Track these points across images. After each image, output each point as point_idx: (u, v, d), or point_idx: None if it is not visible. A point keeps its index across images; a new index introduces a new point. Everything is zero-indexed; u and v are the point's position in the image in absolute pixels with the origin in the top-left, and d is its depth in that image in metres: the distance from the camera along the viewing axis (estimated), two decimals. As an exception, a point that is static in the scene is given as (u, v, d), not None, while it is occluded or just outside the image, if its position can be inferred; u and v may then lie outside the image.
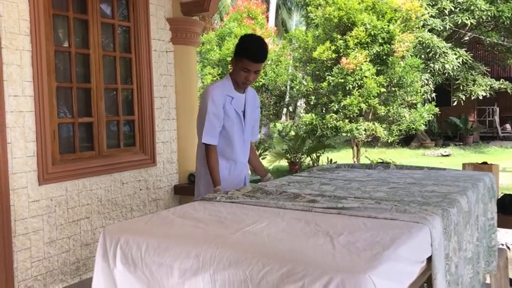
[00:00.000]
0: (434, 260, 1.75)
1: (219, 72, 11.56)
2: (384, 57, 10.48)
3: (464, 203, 2.23)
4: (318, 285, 1.32)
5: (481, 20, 16.44)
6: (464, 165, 3.90)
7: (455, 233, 2.02)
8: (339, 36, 10.80)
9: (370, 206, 1.99)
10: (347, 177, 2.84)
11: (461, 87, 17.04)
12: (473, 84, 16.81)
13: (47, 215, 3.78)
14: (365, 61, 10.26)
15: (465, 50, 16.55)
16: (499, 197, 3.62)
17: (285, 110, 17.52)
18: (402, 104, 10.90)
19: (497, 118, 20.62)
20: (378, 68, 10.44)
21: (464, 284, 2.18)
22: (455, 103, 17.84)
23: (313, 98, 11.36)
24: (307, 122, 10.89)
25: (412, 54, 11.69)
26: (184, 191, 4.97)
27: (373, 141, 15.59)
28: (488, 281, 3.30)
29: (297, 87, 11.75)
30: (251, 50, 2.90)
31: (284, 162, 11.78)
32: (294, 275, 1.36)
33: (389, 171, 3.09)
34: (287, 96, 14.15)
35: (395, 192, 2.34)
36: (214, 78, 11.44)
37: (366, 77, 10.13)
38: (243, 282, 1.47)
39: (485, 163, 3.94)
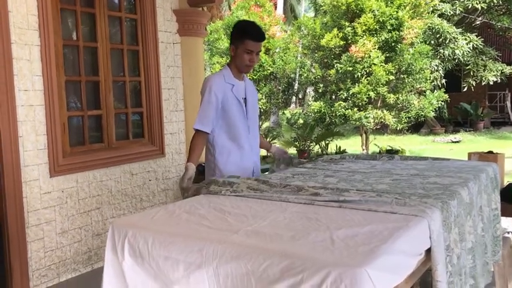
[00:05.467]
0: (434, 252, 1.79)
1: (228, 61, 11.55)
2: (393, 44, 10.40)
3: (465, 195, 2.26)
4: (316, 279, 1.37)
5: (492, 4, 16.22)
6: (469, 154, 3.91)
7: (455, 224, 2.06)
8: (347, 23, 10.73)
9: (371, 199, 2.03)
10: (351, 169, 2.88)
11: (472, 73, 16.88)
12: (484, 70, 16.64)
13: (59, 206, 3.87)
14: (374, 48, 10.20)
15: (476, 35, 16.36)
16: (505, 185, 3.65)
17: (294, 97, 17.51)
18: (411, 91, 10.84)
19: (508, 103, 20.42)
20: (387, 55, 10.37)
21: (467, 274, 2.22)
22: (465, 89, 17.69)
23: (321, 85, 11.33)
24: (315, 110, 10.88)
25: (422, 40, 11.58)
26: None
27: (382, 128, 15.55)
28: (492, 269, 3.33)
29: (305, 74, 11.72)
30: (251, 30, 3.03)
31: (293, 150, 11.82)
32: (293, 269, 1.42)
33: (393, 162, 3.12)
34: (296, 84, 14.12)
35: (397, 184, 2.37)
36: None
37: (374, 64, 10.08)
38: (245, 276, 1.52)
39: (490, 152, 3.95)
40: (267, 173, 3.28)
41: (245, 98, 3.14)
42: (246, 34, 2.98)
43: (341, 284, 1.33)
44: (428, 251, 1.82)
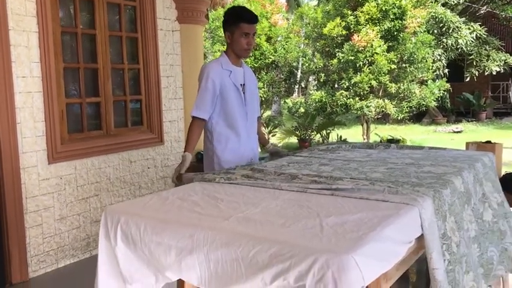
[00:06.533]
0: (427, 240, 1.80)
1: (224, 50, 11.49)
2: (395, 33, 10.35)
3: (459, 184, 2.26)
4: (304, 265, 1.38)
5: (497, -7, 16.12)
6: (467, 144, 3.90)
7: (451, 213, 2.06)
8: (349, 12, 10.68)
9: (364, 188, 2.03)
10: (346, 158, 2.88)
11: (475, 63, 16.81)
12: (487, 60, 16.57)
13: (57, 193, 3.89)
14: (376, 37, 10.15)
15: (479, 25, 16.26)
16: (502, 175, 3.64)
17: (296, 86, 17.47)
18: (413, 81, 10.80)
19: (511, 93, 20.33)
20: (389, 44, 10.33)
21: (472, 263, 2.22)
22: (468, 79, 17.63)
23: (323, 75, 11.30)
24: (316, 100, 10.87)
25: (425, 29, 11.51)
26: (192, 169, 5.03)
27: (383, 118, 15.52)
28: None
29: (307, 64, 11.70)
30: (244, 13, 3.04)
31: (294, 139, 11.82)
32: (282, 255, 1.43)
33: (389, 151, 3.11)
34: (298, 73, 14.07)
35: (391, 173, 2.37)
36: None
37: (376, 53, 10.04)
38: (235, 261, 1.54)
39: (488, 142, 3.94)
40: (262, 161, 3.29)
41: (243, 85, 3.13)
42: (240, 18, 2.99)
43: (327, 271, 1.34)
44: (420, 240, 1.83)
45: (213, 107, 3.02)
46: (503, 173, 3.82)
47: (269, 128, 11.47)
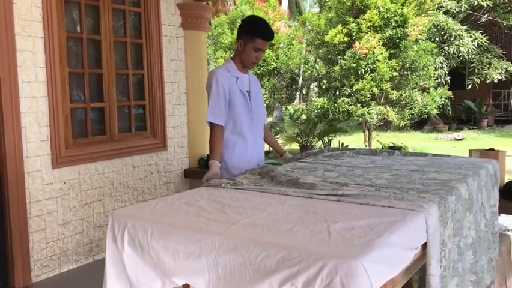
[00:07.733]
0: (429, 246, 1.81)
1: (231, 55, 11.57)
2: (397, 40, 10.39)
3: (464, 191, 2.26)
4: (312, 271, 1.38)
5: (498, 1, 16.17)
6: (470, 151, 3.91)
7: (452, 220, 2.07)
8: (351, 20, 10.72)
9: (369, 194, 2.04)
10: (351, 164, 2.89)
11: (476, 71, 16.85)
12: (489, 68, 16.60)
13: (61, 198, 3.90)
14: (378, 45, 10.19)
15: (481, 33, 16.31)
16: (505, 183, 3.65)
17: (298, 93, 17.50)
18: (415, 88, 10.83)
19: (512, 102, 20.35)
20: (391, 52, 10.36)
21: (461, 269, 2.23)
22: (469, 86, 17.65)
23: (325, 82, 11.33)
24: (318, 106, 10.90)
25: (426, 37, 11.56)
26: (195, 174, 5.06)
27: (385, 125, 15.53)
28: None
29: (309, 71, 11.74)
30: (263, 29, 3.02)
31: (295, 146, 11.83)
32: (290, 260, 1.43)
33: (393, 158, 3.12)
34: (300, 80, 14.12)
35: (396, 180, 2.38)
36: (226, 62, 11.39)
37: (378, 61, 10.08)
38: (243, 266, 1.54)
39: (492, 149, 3.95)
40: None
41: (249, 91, 3.15)
42: (258, 33, 2.98)
43: (336, 276, 1.34)
44: (425, 246, 1.83)
45: (226, 112, 3.03)
46: (506, 180, 3.83)
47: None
